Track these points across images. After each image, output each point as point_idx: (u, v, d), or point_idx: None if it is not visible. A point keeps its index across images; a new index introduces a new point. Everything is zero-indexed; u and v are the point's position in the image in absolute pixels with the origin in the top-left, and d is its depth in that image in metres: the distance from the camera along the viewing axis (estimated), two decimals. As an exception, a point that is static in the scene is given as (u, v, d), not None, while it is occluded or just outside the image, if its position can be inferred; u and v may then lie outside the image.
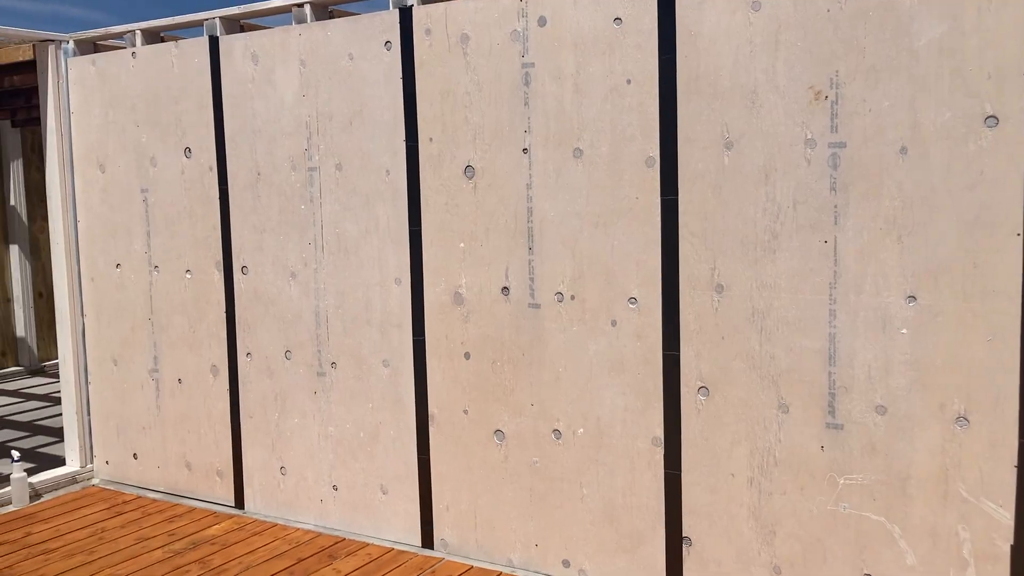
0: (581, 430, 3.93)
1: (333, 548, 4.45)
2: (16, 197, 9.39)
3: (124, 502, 5.26)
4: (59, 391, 8.56)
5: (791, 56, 3.31)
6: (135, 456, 5.50)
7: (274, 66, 4.63)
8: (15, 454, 5.26)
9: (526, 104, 3.91)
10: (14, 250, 9.38)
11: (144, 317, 5.33)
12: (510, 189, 3.99)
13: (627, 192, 3.71)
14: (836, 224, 3.30)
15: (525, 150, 3.93)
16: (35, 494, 5.37)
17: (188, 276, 5.12)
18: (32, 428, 7.17)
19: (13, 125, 9.27)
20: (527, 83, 3.89)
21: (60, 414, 7.59)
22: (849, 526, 3.38)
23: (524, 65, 3.89)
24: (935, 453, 3.20)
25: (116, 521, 4.93)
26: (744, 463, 3.57)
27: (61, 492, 5.49)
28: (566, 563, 4.03)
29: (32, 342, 9.56)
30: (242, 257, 4.89)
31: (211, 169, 4.94)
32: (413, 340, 4.35)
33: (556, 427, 3.99)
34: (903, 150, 3.15)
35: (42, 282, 9.78)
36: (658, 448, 3.75)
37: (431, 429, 4.35)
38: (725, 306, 3.54)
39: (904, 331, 3.21)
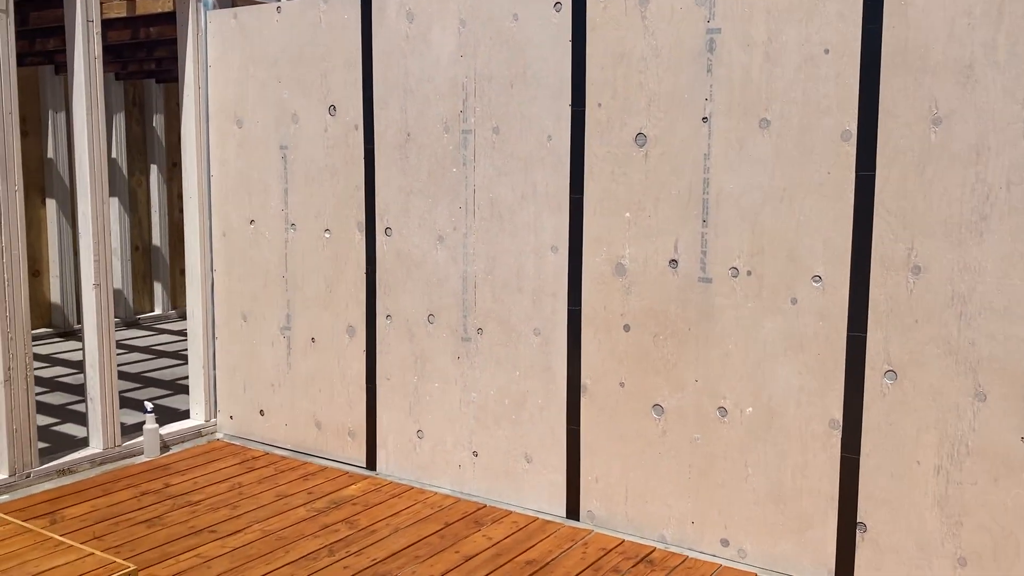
0: (750, 409, 3.84)
1: (477, 514, 4.43)
2: (118, 150, 9.47)
3: (253, 458, 5.29)
4: (158, 343, 8.68)
5: (1015, 29, 3.15)
6: (261, 412, 5.53)
7: (431, 25, 4.55)
8: (148, 405, 5.31)
9: (708, 71, 3.78)
10: (114, 203, 9.47)
11: (278, 275, 5.33)
12: (685, 159, 3.88)
13: (818, 166, 3.58)
14: (1056, 208, 3.15)
15: (705, 119, 3.82)
16: (163, 446, 5.43)
17: (327, 235, 5.09)
18: (142, 380, 7.26)
19: (117, 78, 9.31)
20: (711, 49, 3.76)
21: (166, 366, 7.69)
22: (1047, 521, 3.27)
23: (709, 31, 3.76)
24: None
25: (251, 477, 4.96)
26: (932, 451, 3.46)
27: (188, 445, 5.54)
28: (724, 542, 3.96)
29: (128, 295, 9.68)
30: (386, 218, 4.85)
31: (357, 128, 4.89)
32: (568, 310, 4.28)
33: (722, 404, 3.91)
34: None
35: (138, 236, 9.88)
36: (835, 431, 3.65)
37: (583, 400, 4.29)
38: (921, 288, 3.42)
39: None
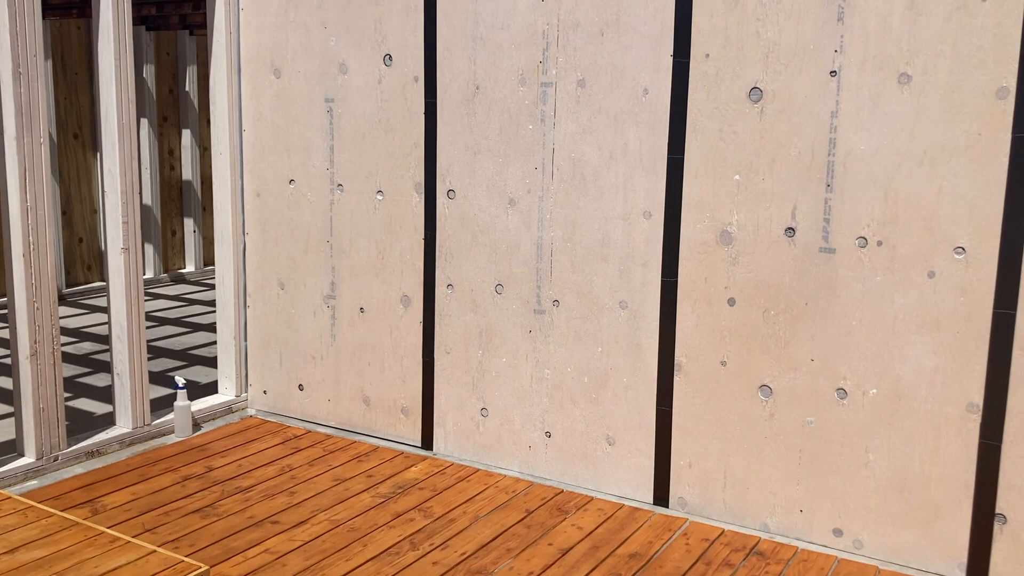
0: (874, 391, 3.54)
1: (558, 500, 4.10)
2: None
3: (296, 436, 4.91)
4: (157, 310, 8.18)
5: None
6: (300, 387, 5.13)
7: (506, -35, 4.12)
8: (180, 380, 4.88)
9: (840, 20, 3.41)
10: (106, 158, 8.88)
11: (321, 239, 4.90)
12: (808, 116, 3.52)
13: (967, 127, 3.25)
14: None
15: (833, 73, 3.45)
16: (194, 424, 5.02)
17: (379, 197, 4.67)
18: (151, 350, 6.80)
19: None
20: (844, -5, 3.39)
21: (172, 334, 7.23)
22: None
23: (842, -26, 3.39)
24: None
25: (298, 458, 4.58)
26: (1087, 438, 3.19)
27: (220, 423, 5.13)
28: (838, 532, 3.68)
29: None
30: (448, 180, 4.44)
31: (416, 80, 4.45)
32: (661, 281, 3.93)
33: (841, 386, 3.60)
34: None
35: (131, 193, 9.31)
36: (974, 415, 3.37)
37: (676, 379, 3.96)
38: (1084, 262, 3.12)
39: None
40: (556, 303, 4.22)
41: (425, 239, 4.56)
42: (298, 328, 5.08)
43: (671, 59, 3.78)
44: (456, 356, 4.56)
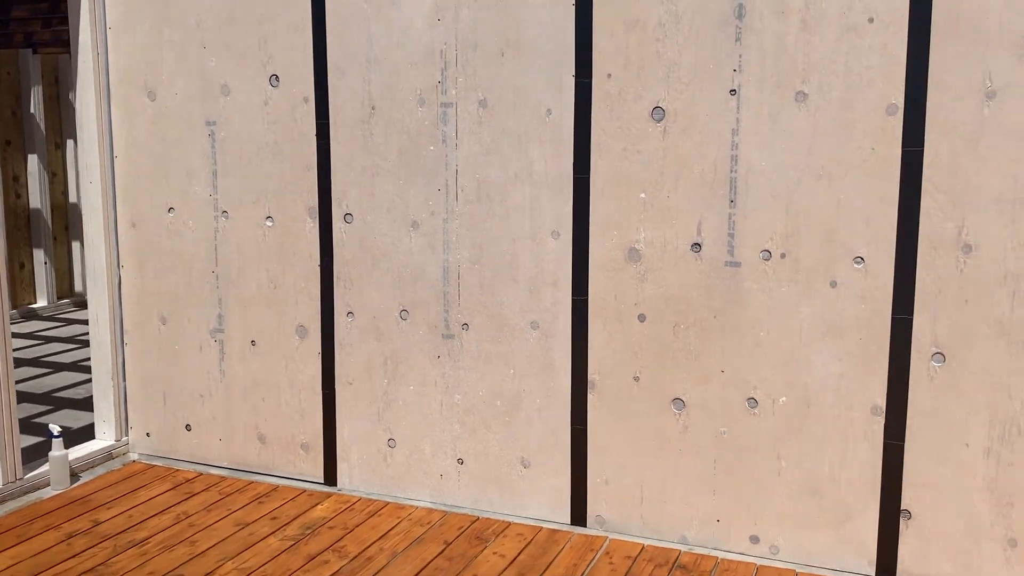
0: (783, 399, 3.64)
1: (475, 528, 4.02)
2: None
3: (187, 480, 4.62)
4: (27, 347, 7.55)
5: (1078, -1, 3.07)
6: (188, 427, 4.84)
7: (400, -16, 4.03)
8: (55, 428, 4.51)
9: (737, 40, 3.51)
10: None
11: (206, 270, 4.64)
12: (710, 134, 3.60)
13: (861, 142, 3.40)
14: (1115, 183, 3.10)
15: (733, 91, 3.55)
16: (72, 474, 4.65)
17: (269, 223, 4.47)
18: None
19: None
20: (740, 16, 3.49)
21: (31, 376, 6.70)
22: (1101, 497, 3.26)
23: (738, -4, 3.49)
24: None
25: (194, 503, 4.31)
26: (982, 433, 3.38)
27: (100, 471, 4.77)
28: (755, 539, 3.76)
29: None
30: (345, 203, 4.30)
31: (306, 101, 4.29)
32: (572, 300, 3.93)
33: (752, 395, 3.69)
34: None
35: None
36: (878, 417, 3.52)
37: (590, 397, 3.96)
38: (972, 268, 3.31)
39: None
40: (465, 327, 4.15)
41: (321, 266, 4.39)
42: (183, 365, 4.79)
43: (573, 79, 3.79)
44: (359, 386, 4.41)
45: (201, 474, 4.70)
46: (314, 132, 4.30)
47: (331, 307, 4.41)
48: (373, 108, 4.17)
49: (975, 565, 3.45)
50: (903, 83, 3.32)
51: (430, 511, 4.22)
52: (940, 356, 3.40)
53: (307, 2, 4.21)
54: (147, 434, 4.96)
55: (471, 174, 4.03)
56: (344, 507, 4.26)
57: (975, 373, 3.36)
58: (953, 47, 3.23)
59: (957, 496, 3.45)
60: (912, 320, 3.42)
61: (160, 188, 4.68)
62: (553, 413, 4.04)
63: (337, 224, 4.33)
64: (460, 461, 4.26)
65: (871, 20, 3.32)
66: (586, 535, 3.97)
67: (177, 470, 4.76)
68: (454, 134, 4.04)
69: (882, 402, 3.50)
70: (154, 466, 4.83)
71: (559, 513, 4.09)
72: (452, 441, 4.26)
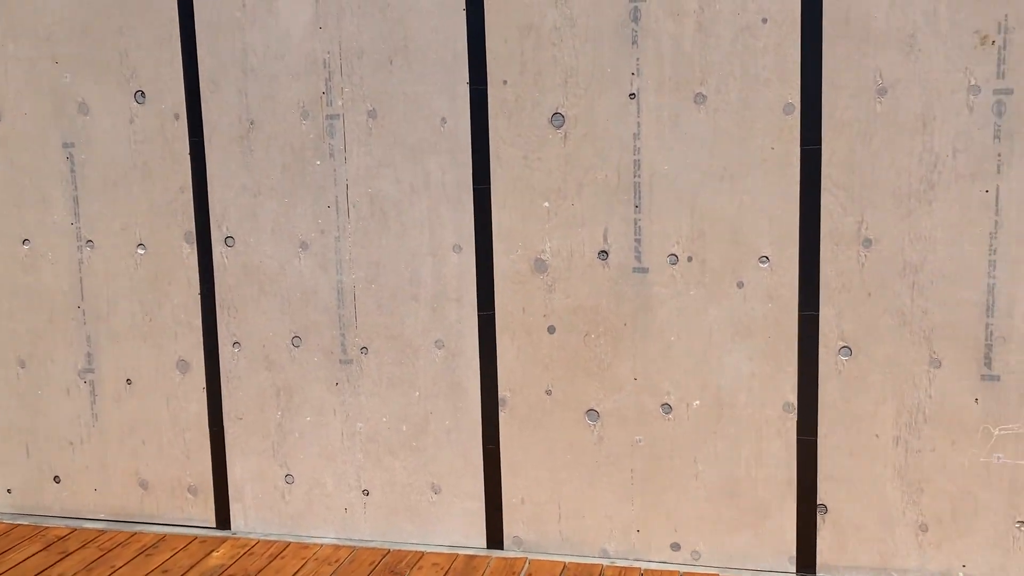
0: (697, 402, 3.62)
1: (387, 562, 3.80)
2: None
3: (60, 539, 4.18)
4: None
5: (956, -2, 3.19)
6: (56, 479, 4.39)
7: (276, -9, 3.80)
8: (-102, 494, 3.99)
9: (634, 43, 3.48)
10: None
11: (71, 305, 4.23)
12: (612, 139, 3.55)
13: (760, 142, 3.42)
14: (999, 173, 3.24)
15: (632, 95, 3.51)
16: (-79, 542, 4.13)
17: (141, 251, 4.12)
18: None
19: None
20: (636, 19, 3.46)
21: None
22: (1002, 475, 3.38)
23: (633, -1, 3.45)
24: (1095, 397, 3.27)
25: (71, 564, 3.90)
26: (890, 422, 3.46)
27: (-46, 535, 4.27)
28: (675, 546, 3.72)
29: None
30: (225, 226, 4.01)
31: (177, 117, 3.98)
32: (478, 315, 3.79)
33: (666, 401, 3.65)
34: (1075, 97, 3.13)
35: None
36: (790, 414, 3.54)
37: (501, 415, 3.83)
38: (873, 261, 3.38)
39: (1068, 278, 3.22)
40: (364, 350, 3.93)
41: (202, 294, 4.08)
42: (48, 411, 4.35)
43: (468, 87, 3.66)
44: (251, 421, 4.11)
45: (75, 530, 4.27)
46: (187, 151, 3.99)
47: (215, 338, 4.10)
48: (252, 123, 3.90)
49: (890, 552, 3.52)
50: (799, 83, 3.36)
51: (337, 548, 3.97)
52: (847, 350, 3.46)
53: (173, 11, 3.91)
54: (8, 491, 4.48)
55: (363, 188, 3.83)
56: (242, 551, 3.96)
57: (881, 364, 3.43)
58: (844, 46, 3.30)
59: (870, 486, 3.51)
60: (818, 316, 3.46)
61: (11, 218, 4.24)
62: (463, 434, 3.88)
63: (217, 248, 4.03)
64: (366, 492, 4.03)
65: (765, 21, 3.35)
66: (505, 558, 3.82)
67: (47, 527, 4.31)
68: (342, 147, 3.83)
69: (793, 398, 3.53)
70: (20, 525, 4.36)
71: (475, 538, 3.93)
72: (356, 472, 4.03)
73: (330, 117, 3.82)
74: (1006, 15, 3.15)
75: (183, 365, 4.15)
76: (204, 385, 4.14)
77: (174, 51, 3.94)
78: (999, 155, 3.22)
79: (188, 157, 4.00)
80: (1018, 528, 3.40)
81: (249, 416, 4.11)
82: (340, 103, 3.80)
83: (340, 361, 3.97)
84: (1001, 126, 3.21)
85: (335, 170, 3.85)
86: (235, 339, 4.07)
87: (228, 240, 4.01)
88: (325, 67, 3.79)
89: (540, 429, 3.80)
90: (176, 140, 4.00)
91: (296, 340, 4.00)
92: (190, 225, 4.05)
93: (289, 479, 4.11)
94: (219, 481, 4.19)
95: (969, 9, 3.17)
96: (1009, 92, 3.18)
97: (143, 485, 4.29)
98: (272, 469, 4.12)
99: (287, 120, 3.86)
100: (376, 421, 3.97)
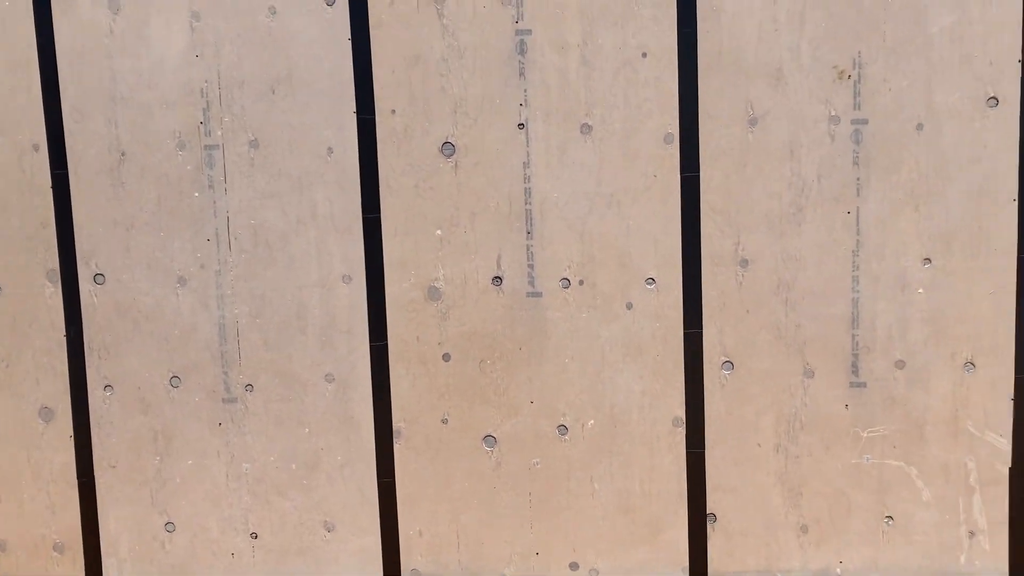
0: (592, 422, 3.72)
1: (283, 607, 3.67)
2: None
3: (-98, 613, 3.78)
4: None
5: (816, 36, 3.47)
6: None
7: (147, 17, 3.64)
8: None
9: (522, 75, 3.57)
10: None
11: (-88, 354, 3.87)
12: (503, 168, 3.62)
13: (644, 170, 3.58)
14: (859, 196, 3.53)
15: (521, 125, 3.60)
16: None
17: (-4, 292, 3.82)
18: None
19: None
20: (522, 52, 3.56)
21: None
22: (872, 476, 3.66)
23: (519, 32, 3.55)
24: (947, 398, 3.60)
25: (-80, 640, 3.53)
26: (770, 431, 3.67)
27: None
28: (574, 566, 3.79)
29: None
30: (94, 262, 3.78)
31: (36, 149, 3.74)
32: (370, 346, 3.74)
33: (561, 423, 3.72)
34: (919, 127, 3.48)
35: None
36: (679, 429, 3.70)
37: (396, 446, 3.79)
38: (750, 280, 3.60)
39: (920, 291, 3.55)
40: (249, 387, 3.80)
41: (68, 336, 3.82)
42: None
43: (355, 116, 3.64)
44: (125, 469, 3.87)
45: (-80, 602, 3.87)
46: (49, 184, 3.75)
47: (83, 382, 3.84)
48: (123, 154, 3.72)
49: (774, 554, 3.72)
50: (677, 113, 3.55)
51: (225, 597, 3.79)
52: (729, 364, 3.65)
53: (31, 34, 3.68)
54: None
55: (245, 221, 3.72)
56: (121, 610, 3.71)
57: (760, 377, 3.65)
58: (718, 79, 3.52)
59: (755, 494, 3.70)
60: (702, 333, 3.64)
61: None
62: (357, 469, 3.81)
63: (85, 286, 3.79)
64: (254, 535, 3.87)
65: (644, 55, 3.52)
66: (405, 592, 3.77)
67: None
68: (222, 178, 3.71)
69: (682, 413, 3.69)
70: None
71: (372, 574, 3.85)
72: (243, 515, 3.86)
73: (209, 147, 3.69)
74: (859, 51, 3.46)
75: (47, 413, 3.86)
76: (71, 433, 3.87)
77: (32, 79, 3.70)
78: (858, 179, 3.52)
79: (51, 191, 3.75)
80: (886, 523, 3.68)
81: (123, 463, 3.87)
82: (220, 133, 3.68)
83: (223, 400, 3.81)
84: (859, 153, 3.51)
85: (215, 202, 3.72)
86: (107, 382, 3.83)
87: (97, 278, 3.78)
88: (203, 96, 3.67)
89: (437, 459, 3.78)
90: (36, 173, 3.75)
91: (175, 380, 3.82)
92: (53, 262, 3.79)
93: (170, 527, 3.89)
94: (90, 535, 3.91)
95: (828, 46, 3.46)
96: (864, 122, 3.49)
97: (1, 547, 3.94)
98: (151, 518, 3.89)
99: (162, 151, 3.70)
100: (264, 461, 3.83)
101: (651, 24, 3.51)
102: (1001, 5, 3.39)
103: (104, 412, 3.85)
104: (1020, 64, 3.41)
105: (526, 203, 3.63)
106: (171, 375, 3.82)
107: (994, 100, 3.44)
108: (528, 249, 3.65)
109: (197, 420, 3.83)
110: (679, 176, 3.58)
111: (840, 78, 3.48)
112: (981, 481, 3.63)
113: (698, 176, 3.57)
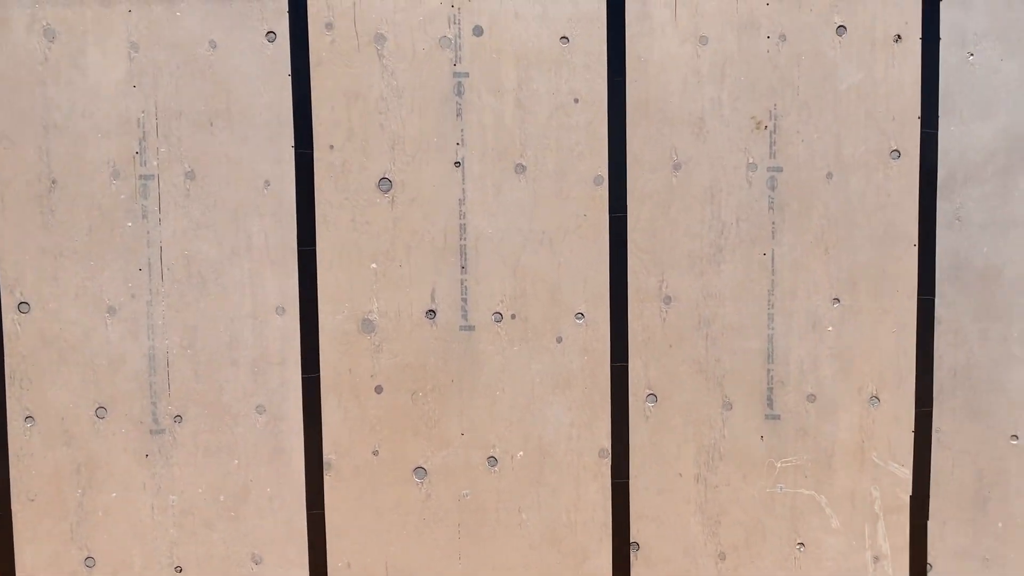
0: (521, 453, 3.81)
1: (209, 642, 3.62)
2: None
3: None
4: None
5: (735, 88, 3.70)
6: None
7: (84, 47, 3.65)
8: None
9: (459, 115, 3.70)
10: None
11: None
12: (439, 204, 3.72)
13: (575, 209, 3.74)
14: (773, 239, 3.76)
15: (458, 163, 3.72)
16: None
17: (-88, 320, 3.72)
18: None
19: None
20: (460, 93, 3.69)
21: None
22: (785, 504, 3.85)
23: (456, 74, 3.68)
24: (854, 430, 3.83)
25: None
26: (691, 461, 3.83)
27: None
28: (502, 596, 3.86)
29: None
30: (19, 291, 3.72)
31: (-38, 174, 3.68)
32: (302, 378, 3.77)
33: (491, 454, 3.81)
34: (829, 175, 3.73)
35: None
36: (605, 459, 3.82)
37: (326, 478, 3.81)
38: (673, 316, 3.78)
39: (830, 328, 3.79)
40: (178, 419, 3.77)
41: (-12, 365, 3.74)
42: None
43: (293, 150, 3.70)
44: (45, 502, 3.78)
45: None
46: (-26, 209, 3.69)
47: (3, 413, 3.75)
48: (54, 182, 3.68)
49: (695, 582, 3.87)
50: (607, 157, 3.72)
51: (147, 633, 3.72)
52: (653, 397, 3.81)
53: (-39, 60, 3.63)
54: None
55: (179, 251, 3.72)
56: (36, 648, 3.60)
57: (682, 409, 3.81)
58: (645, 126, 3.71)
59: (676, 523, 3.85)
60: (628, 367, 3.79)
61: None
62: (286, 501, 3.81)
63: (9, 315, 3.72)
64: (179, 569, 3.82)
65: (576, 101, 3.69)
66: (333, 624, 3.77)
67: None
68: (157, 208, 3.71)
69: (608, 444, 3.82)
70: None
71: (299, 607, 3.85)
72: (168, 548, 3.81)
73: (144, 177, 3.69)
74: (775, 104, 3.70)
75: (-39, 445, 3.76)
76: (-13, 466, 3.77)
77: (-39, 102, 3.65)
78: (773, 223, 3.75)
79: (-25, 216, 3.69)
80: (798, 549, 3.87)
81: (43, 497, 3.78)
82: (155, 163, 3.69)
83: (151, 431, 3.77)
84: (774, 198, 3.74)
85: (148, 232, 3.71)
86: (28, 413, 3.75)
87: (22, 306, 3.72)
88: (139, 126, 3.68)
89: (367, 491, 3.81)
90: (-40, 198, 3.68)
91: (101, 411, 3.76)
92: (-25, 290, 3.71)
93: (90, 562, 3.81)
94: (5, 571, 3.79)
95: (746, 98, 3.69)
96: (779, 170, 3.73)
97: (-94, 585, 3.79)
98: (70, 553, 3.80)
99: (95, 180, 3.69)
100: (191, 493, 3.80)
101: (583, 72, 3.69)
102: (903, 66, 3.69)
103: (24, 444, 3.76)
104: (919, 120, 3.70)
105: (461, 238, 3.73)
106: (97, 406, 3.76)
107: (896, 153, 3.72)
108: (462, 283, 3.75)
109: (123, 452, 3.78)
110: (608, 216, 3.74)
111: (757, 128, 3.71)
112: (885, 508, 3.86)
113: (625, 216, 3.74)
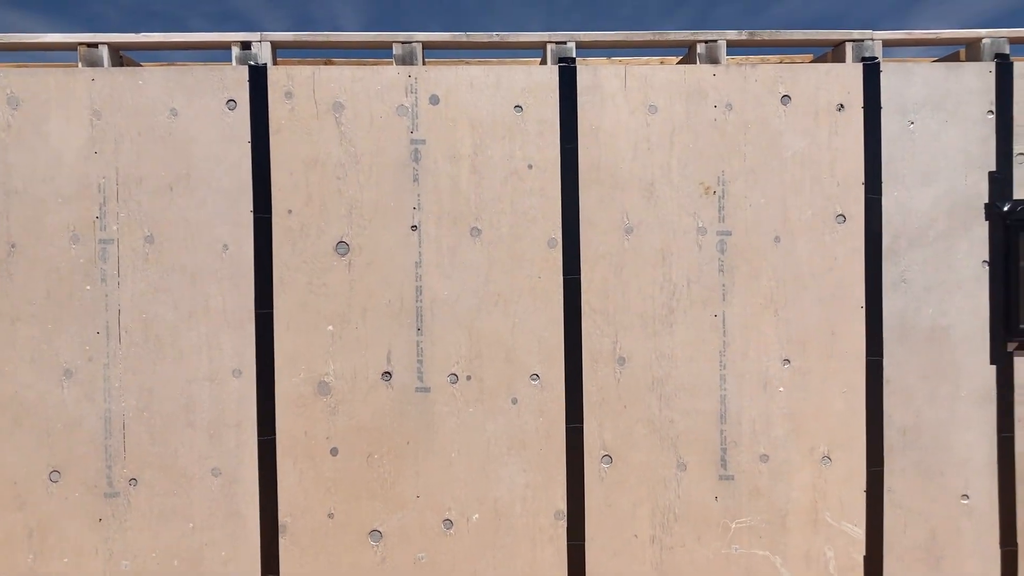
0: (476, 515, 3.82)
1: None
2: None
3: None
4: None
5: (684, 155, 3.81)
6: None
7: (48, 114, 3.72)
8: None
9: (415, 180, 3.78)
10: None
11: None
12: (395, 267, 3.78)
13: (529, 271, 3.81)
14: (724, 300, 3.83)
15: (414, 227, 3.78)
16: None
17: None
18: None
19: None
20: (416, 159, 3.78)
21: None
22: (740, 564, 3.86)
23: (413, 141, 3.77)
24: (807, 489, 3.87)
25: None
26: (646, 522, 3.85)
27: None
28: (458, 661, 3.82)
29: None
30: (-25, 353, 3.73)
31: (-78, 238, 3.71)
32: (258, 441, 3.78)
33: (447, 516, 3.81)
34: (777, 239, 3.82)
35: None
36: (561, 521, 3.83)
37: (282, 542, 3.79)
38: (627, 377, 3.83)
39: (781, 389, 3.84)
40: (133, 482, 3.76)
41: (-58, 429, 3.72)
42: None
43: (252, 215, 3.76)
44: (-5, 567, 3.74)
45: None
46: (-68, 273, 3.71)
47: (-45, 477, 3.73)
48: (13, 246, 3.72)
49: (652, 644, 3.85)
50: (560, 220, 3.80)
51: None
52: (608, 458, 3.83)
53: (-76, 126, 3.69)
54: None
55: (136, 314, 3.75)
56: None
57: (637, 469, 3.84)
58: (597, 191, 3.80)
59: (633, 583, 3.85)
60: (583, 428, 3.83)
61: None
62: (240, 565, 3.79)
63: (-36, 378, 3.73)
64: (130, 636, 3.77)
65: (530, 167, 3.79)
66: None
67: None
68: (115, 272, 3.74)
69: (563, 506, 3.83)
70: None
71: (252, 674, 3.79)
72: (119, 615, 3.77)
73: (103, 242, 3.74)
74: (723, 171, 3.81)
75: (-88, 510, 3.72)
76: (-63, 531, 3.73)
77: (-77, 168, 3.70)
78: (723, 285, 3.82)
79: (-67, 280, 3.71)
80: (755, 610, 3.87)
81: (-7, 563, 3.74)
82: (115, 228, 3.74)
83: (105, 495, 3.76)
84: (724, 261, 3.82)
85: (107, 295, 3.74)
86: (-20, 477, 3.73)
87: (-23, 369, 3.72)
88: (100, 191, 3.73)
89: (322, 553, 3.80)
90: (-81, 261, 3.71)
91: (54, 475, 3.75)
92: (-69, 353, 3.72)
93: (39, 630, 3.75)
94: (-50, 640, 3.74)
95: (695, 164, 3.80)
96: (728, 233, 3.81)
97: None
98: (18, 621, 3.75)
99: (55, 244, 3.73)
100: (145, 557, 3.77)
101: (536, 139, 3.79)
102: (846, 135, 3.81)
103: (-25, 508, 3.74)
104: (863, 186, 3.81)
105: (417, 300, 3.79)
106: (51, 469, 3.75)
107: (842, 217, 3.82)
108: (418, 345, 3.79)
109: (76, 516, 3.75)
110: (562, 278, 3.81)
111: (706, 193, 3.81)
112: (839, 568, 3.87)
113: (579, 278, 3.81)
